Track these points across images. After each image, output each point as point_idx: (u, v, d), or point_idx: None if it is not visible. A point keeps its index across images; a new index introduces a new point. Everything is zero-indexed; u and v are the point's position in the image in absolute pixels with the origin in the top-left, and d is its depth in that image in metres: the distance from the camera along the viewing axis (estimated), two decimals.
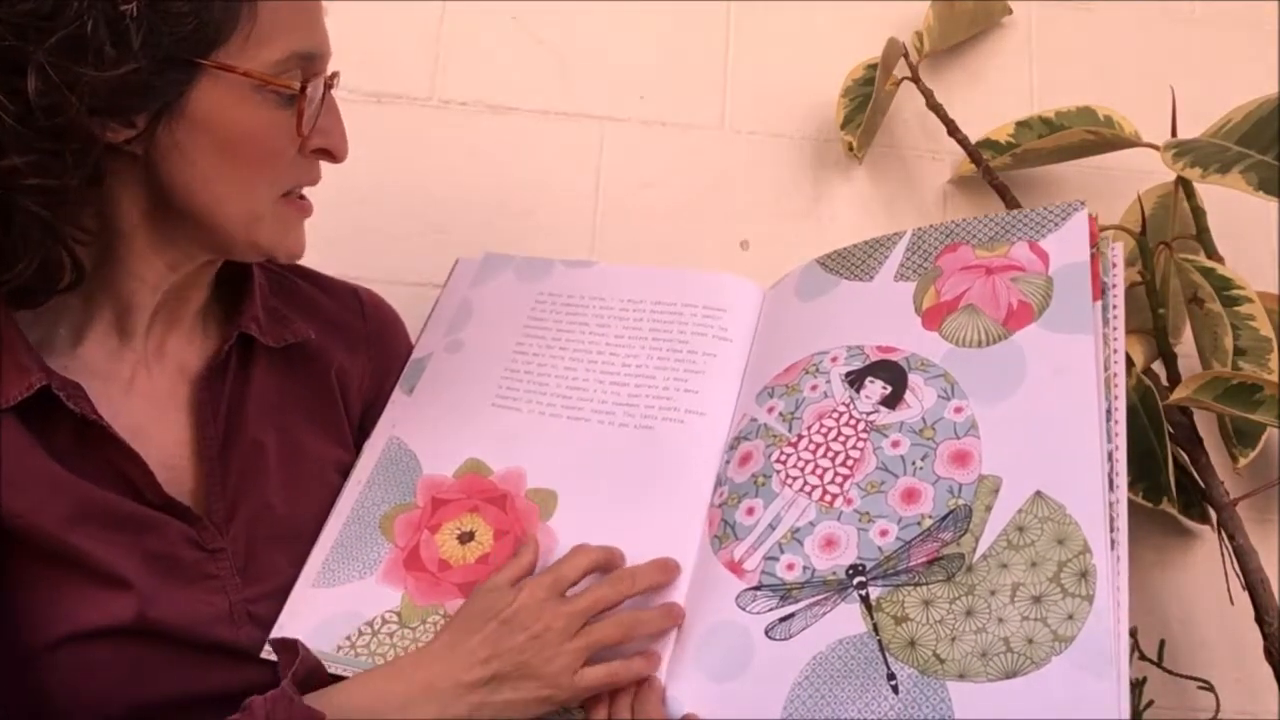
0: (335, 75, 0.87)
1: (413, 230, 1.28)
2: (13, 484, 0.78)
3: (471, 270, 1.13)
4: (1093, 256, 0.88)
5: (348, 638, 0.89)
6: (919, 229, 0.97)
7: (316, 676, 0.83)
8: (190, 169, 0.81)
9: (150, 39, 0.75)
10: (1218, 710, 1.16)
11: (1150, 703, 1.17)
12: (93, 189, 0.79)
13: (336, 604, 0.91)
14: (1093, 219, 0.90)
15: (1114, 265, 0.87)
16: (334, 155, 0.88)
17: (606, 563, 0.87)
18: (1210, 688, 1.17)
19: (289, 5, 0.82)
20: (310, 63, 0.83)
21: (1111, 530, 0.77)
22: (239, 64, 0.79)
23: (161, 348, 0.90)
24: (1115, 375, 0.82)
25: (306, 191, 0.89)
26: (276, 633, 0.88)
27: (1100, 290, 0.86)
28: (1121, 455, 0.80)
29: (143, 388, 0.88)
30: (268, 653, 0.87)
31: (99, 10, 0.73)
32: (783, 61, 1.37)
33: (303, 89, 0.82)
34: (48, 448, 0.81)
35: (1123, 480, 0.79)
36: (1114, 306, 0.85)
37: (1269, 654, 1.10)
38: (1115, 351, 0.83)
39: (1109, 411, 0.81)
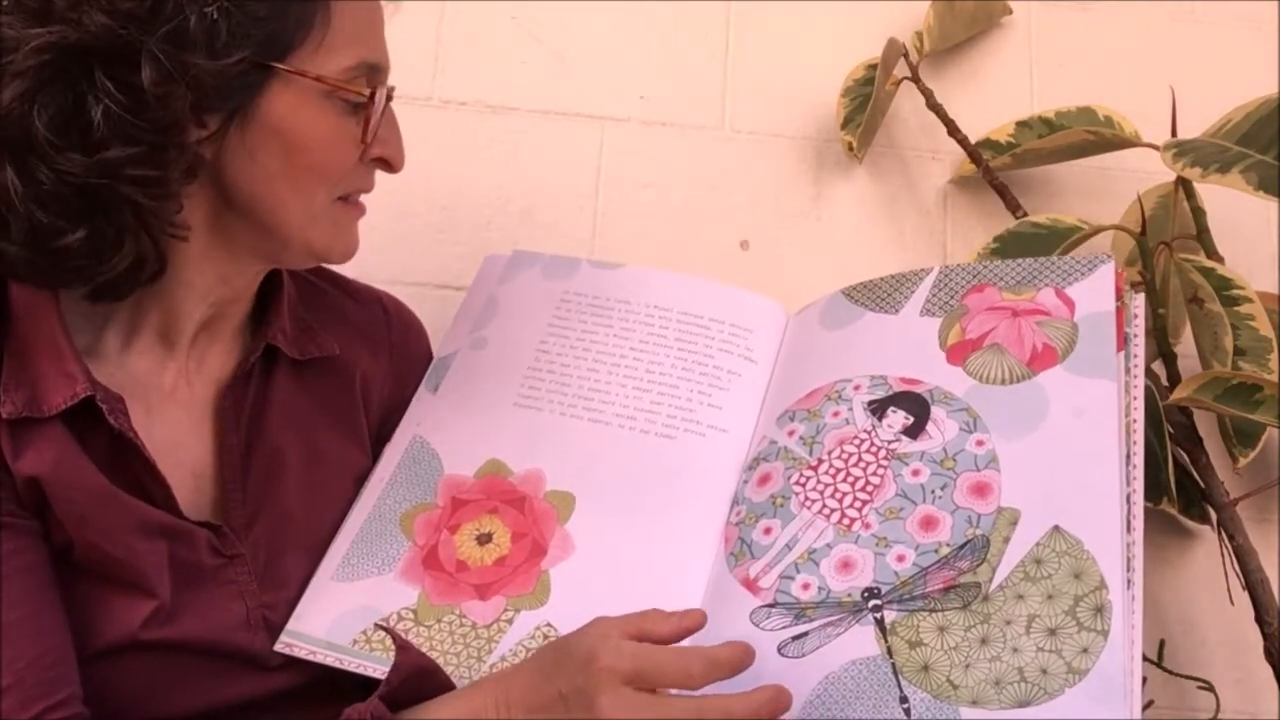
0: (393, 88, 0.88)
1: (412, 230, 1.28)
2: (60, 494, 0.79)
3: (499, 266, 1.13)
4: (1117, 309, 0.89)
5: (364, 632, 0.90)
6: (946, 267, 0.99)
7: (430, 681, 0.81)
8: (256, 171, 0.82)
9: (233, 39, 0.76)
10: (1218, 710, 1.17)
11: (1150, 703, 1.18)
12: (190, 183, 0.80)
13: (355, 598, 0.92)
14: (1120, 272, 0.91)
15: (1135, 317, 0.89)
16: (391, 165, 0.89)
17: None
18: (1210, 688, 1.18)
19: (360, 16, 0.84)
20: (376, 73, 0.85)
21: (1128, 570, 0.78)
22: (311, 69, 0.81)
23: (203, 359, 0.91)
24: (1135, 422, 0.84)
25: None
26: (293, 624, 0.89)
27: (1124, 341, 0.88)
28: (1139, 499, 0.81)
29: (182, 397, 0.89)
30: (282, 646, 0.88)
31: (194, 8, 0.74)
32: (783, 61, 1.37)
33: (371, 96, 0.83)
34: (88, 455, 0.81)
35: (1139, 523, 0.80)
36: (1134, 356, 0.87)
37: (1269, 654, 1.11)
38: (1135, 399, 0.85)
39: (1128, 456, 0.82)
